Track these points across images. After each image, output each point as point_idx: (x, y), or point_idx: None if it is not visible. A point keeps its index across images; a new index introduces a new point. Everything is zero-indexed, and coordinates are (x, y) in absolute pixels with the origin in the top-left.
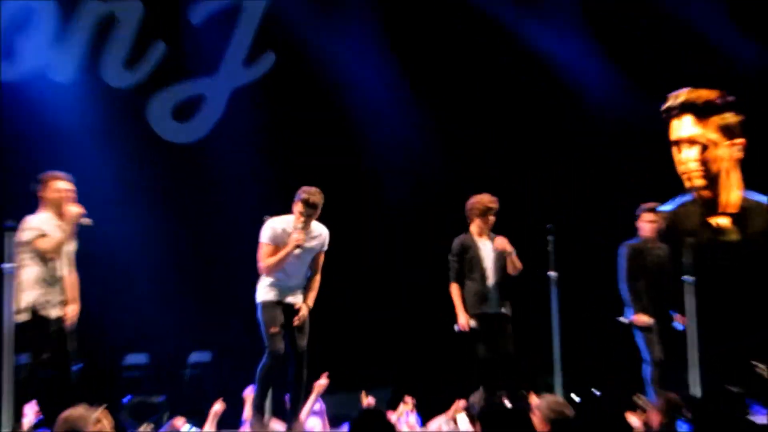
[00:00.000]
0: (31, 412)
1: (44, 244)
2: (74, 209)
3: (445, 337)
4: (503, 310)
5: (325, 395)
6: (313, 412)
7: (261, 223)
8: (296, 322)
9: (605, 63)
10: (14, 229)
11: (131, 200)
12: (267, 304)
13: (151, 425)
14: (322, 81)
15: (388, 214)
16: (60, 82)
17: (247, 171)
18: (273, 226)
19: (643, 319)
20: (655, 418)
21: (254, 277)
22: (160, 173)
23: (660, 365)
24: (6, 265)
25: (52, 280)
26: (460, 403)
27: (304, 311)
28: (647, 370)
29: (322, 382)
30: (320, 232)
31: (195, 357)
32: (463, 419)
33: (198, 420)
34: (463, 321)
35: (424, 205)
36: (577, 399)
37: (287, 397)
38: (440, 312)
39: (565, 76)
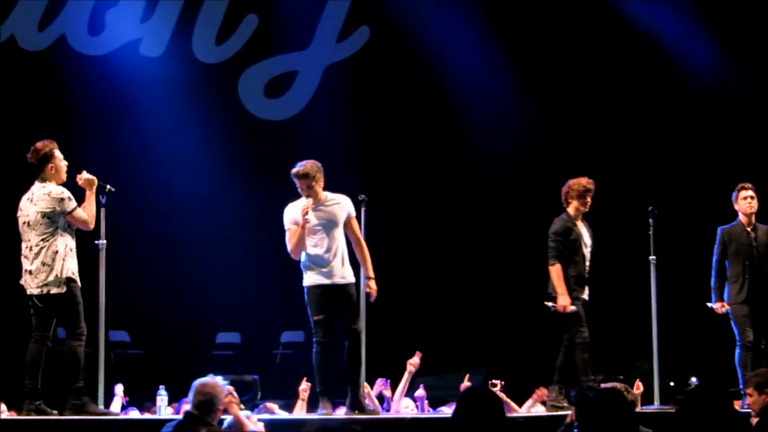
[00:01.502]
0: (119, 393)
1: (88, 215)
2: (88, 176)
3: (535, 319)
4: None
5: (416, 377)
6: (409, 396)
7: (355, 200)
8: (372, 299)
9: (709, 41)
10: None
11: (222, 178)
12: (311, 289)
13: (243, 404)
14: (416, 57)
15: (485, 190)
16: (151, 57)
17: (339, 149)
18: (288, 210)
19: (717, 306)
20: (755, 400)
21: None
22: (250, 150)
23: (749, 349)
24: (100, 242)
25: (74, 248)
26: (542, 391)
27: (372, 287)
28: (737, 353)
29: (415, 360)
30: (337, 200)
31: (287, 336)
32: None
33: (289, 399)
34: (565, 302)
35: (526, 183)
36: (671, 384)
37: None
38: (522, 294)
39: (669, 56)
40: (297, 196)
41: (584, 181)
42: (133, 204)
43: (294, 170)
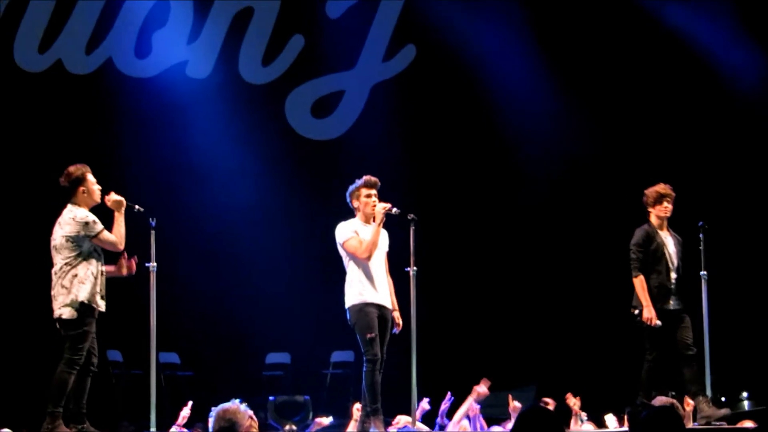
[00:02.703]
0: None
1: (117, 236)
2: (116, 197)
3: (593, 335)
4: (681, 305)
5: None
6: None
7: (404, 220)
8: (397, 329)
9: (757, 51)
10: (155, 228)
11: (270, 199)
12: (361, 307)
13: (295, 425)
14: (464, 75)
15: (534, 208)
16: (197, 78)
17: (388, 168)
18: (344, 225)
19: None
20: None
21: (398, 274)
22: (298, 171)
23: None
24: (151, 264)
25: (98, 274)
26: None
27: (399, 319)
28: None
29: (482, 389)
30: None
31: (337, 356)
32: (611, 419)
33: (341, 419)
34: (650, 314)
35: (574, 198)
36: (723, 399)
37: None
38: (584, 310)
39: (715, 65)
40: (344, 217)
41: (659, 188)
42: (182, 226)
43: (375, 179)
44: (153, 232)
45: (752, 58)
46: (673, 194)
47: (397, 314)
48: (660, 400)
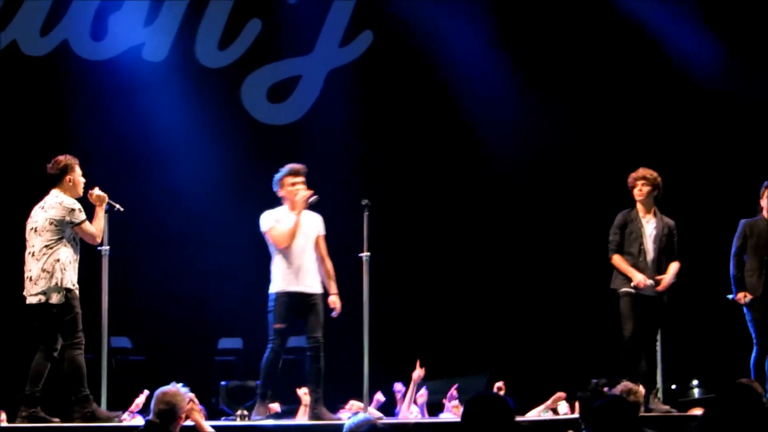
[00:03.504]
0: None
1: (96, 229)
2: (99, 192)
3: (545, 322)
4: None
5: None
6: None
7: (358, 206)
8: (336, 313)
9: (713, 39)
10: (108, 211)
11: (225, 183)
12: (278, 296)
13: (246, 410)
14: (421, 61)
15: (491, 196)
16: (154, 61)
17: (342, 153)
18: (267, 214)
19: (740, 296)
20: None
21: (351, 260)
22: (254, 155)
23: (761, 351)
24: (103, 248)
25: (75, 261)
26: (561, 394)
27: (337, 302)
28: (753, 356)
29: (419, 373)
30: (313, 215)
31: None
32: (564, 407)
33: (292, 405)
34: (640, 278)
35: (529, 186)
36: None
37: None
38: (541, 297)
39: (673, 53)
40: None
41: (638, 172)
42: (135, 210)
43: (300, 166)
44: (106, 216)
45: (709, 45)
46: (650, 176)
47: (333, 298)
48: (624, 387)
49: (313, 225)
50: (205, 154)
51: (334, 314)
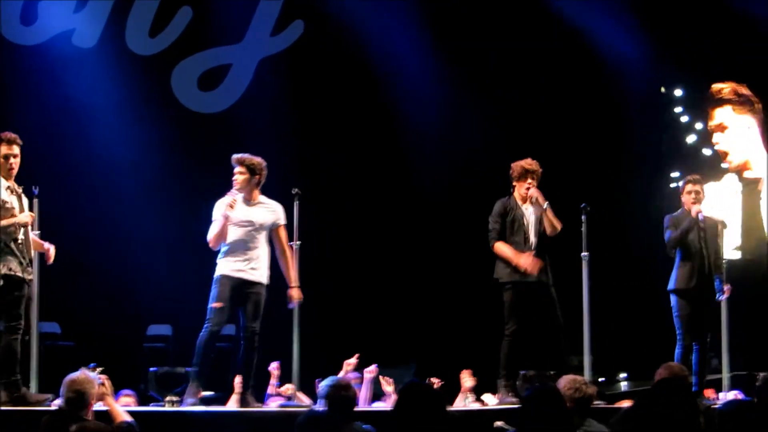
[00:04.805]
0: None
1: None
2: (25, 218)
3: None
4: (543, 278)
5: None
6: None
7: (288, 195)
8: (292, 306)
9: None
10: (36, 196)
11: (155, 170)
12: (221, 278)
13: (177, 396)
14: (352, 52)
15: (419, 188)
16: (83, 48)
17: (273, 142)
18: (218, 204)
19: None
20: None
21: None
22: (184, 143)
23: (686, 345)
24: (34, 232)
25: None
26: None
27: (296, 295)
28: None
29: (372, 368)
30: (270, 205)
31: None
32: (489, 398)
33: (223, 393)
34: (525, 261)
35: (458, 181)
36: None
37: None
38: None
39: (600, 50)
40: (231, 187)
41: (524, 162)
42: (65, 195)
43: (240, 156)
44: (36, 201)
45: (639, 44)
46: (538, 170)
47: (293, 291)
48: (566, 380)
49: (269, 215)
50: (135, 141)
51: (291, 305)
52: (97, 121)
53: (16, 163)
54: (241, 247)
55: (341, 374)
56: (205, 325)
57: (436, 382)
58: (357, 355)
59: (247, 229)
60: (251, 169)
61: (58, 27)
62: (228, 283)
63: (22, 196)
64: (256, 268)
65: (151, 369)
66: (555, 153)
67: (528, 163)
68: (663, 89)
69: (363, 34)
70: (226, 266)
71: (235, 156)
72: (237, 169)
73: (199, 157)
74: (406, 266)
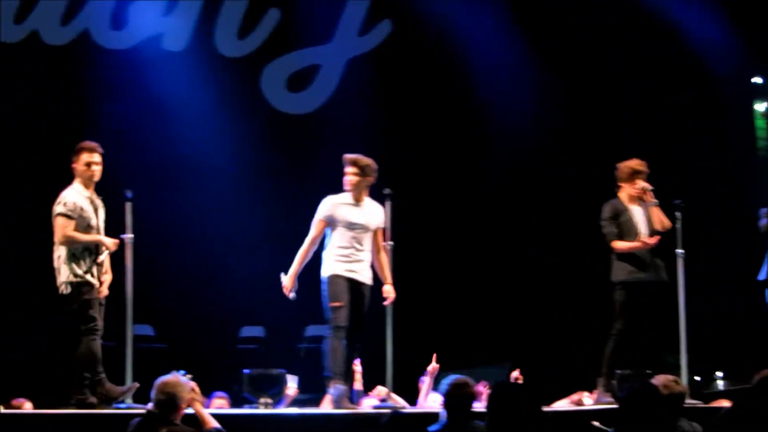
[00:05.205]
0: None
1: (69, 238)
2: (110, 244)
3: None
4: (663, 275)
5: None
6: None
7: (378, 195)
8: (387, 303)
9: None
10: (131, 200)
11: (246, 172)
12: (332, 278)
13: (270, 398)
14: (440, 49)
15: (509, 187)
16: (173, 51)
17: (362, 142)
18: (326, 202)
19: None
20: None
21: None
22: (274, 144)
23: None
24: (127, 236)
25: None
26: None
27: (391, 294)
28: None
29: (434, 366)
30: (374, 207)
31: (312, 330)
32: (589, 400)
33: (315, 394)
34: (650, 239)
35: (549, 176)
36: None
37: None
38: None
39: (691, 43)
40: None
41: (632, 163)
42: (157, 198)
43: (354, 156)
44: (129, 204)
45: (727, 35)
46: (646, 171)
47: (387, 288)
48: (660, 380)
49: (376, 217)
50: (225, 144)
51: (386, 303)
52: (187, 125)
53: (98, 171)
54: (351, 248)
55: (428, 381)
56: (330, 326)
57: (518, 376)
58: (435, 357)
59: (356, 231)
60: (364, 171)
61: (147, 31)
62: (342, 283)
63: (100, 209)
64: (364, 270)
65: (245, 371)
66: (646, 148)
67: (637, 163)
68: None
69: (452, 32)
70: (337, 266)
71: (349, 156)
72: (350, 169)
73: (289, 158)
74: (499, 264)
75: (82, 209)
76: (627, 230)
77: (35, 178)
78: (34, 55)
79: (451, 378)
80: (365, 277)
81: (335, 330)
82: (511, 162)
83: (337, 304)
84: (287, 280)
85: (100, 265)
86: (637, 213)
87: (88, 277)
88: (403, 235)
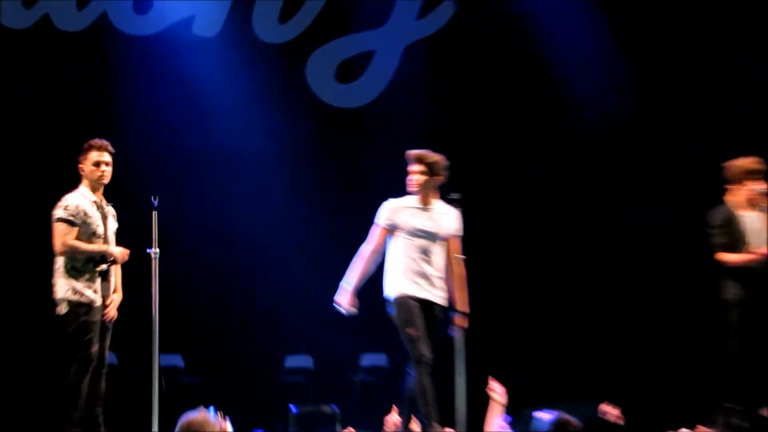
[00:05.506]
0: None
1: (69, 248)
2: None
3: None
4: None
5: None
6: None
7: (445, 200)
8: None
9: None
10: (156, 209)
11: (286, 174)
12: (400, 300)
13: None
14: (508, 34)
15: (579, 177)
16: (205, 36)
17: (421, 138)
18: (387, 205)
19: None
20: None
21: None
22: (321, 142)
23: None
24: (152, 250)
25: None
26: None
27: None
28: None
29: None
30: (447, 212)
31: (367, 359)
32: None
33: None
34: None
35: (621, 165)
36: None
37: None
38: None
39: None
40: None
41: (745, 162)
42: (186, 205)
43: (419, 152)
44: (155, 213)
45: None
46: (763, 169)
47: (459, 315)
48: None
49: (449, 223)
50: (264, 142)
51: (452, 332)
52: (220, 122)
53: (108, 172)
54: (419, 261)
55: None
56: (410, 361)
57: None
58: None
59: (425, 241)
60: (432, 168)
61: (176, 15)
62: (414, 305)
63: (109, 216)
64: (436, 287)
65: (292, 408)
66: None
67: (752, 161)
68: None
69: (516, 12)
70: (404, 285)
71: (413, 152)
72: (414, 167)
73: (338, 158)
74: (578, 273)
75: (86, 214)
76: (737, 240)
77: (44, 178)
78: (46, 41)
79: (552, 417)
80: (437, 297)
81: (419, 365)
82: (584, 151)
83: (413, 332)
84: (345, 296)
85: (107, 281)
86: (749, 220)
87: (90, 294)
88: (473, 244)
